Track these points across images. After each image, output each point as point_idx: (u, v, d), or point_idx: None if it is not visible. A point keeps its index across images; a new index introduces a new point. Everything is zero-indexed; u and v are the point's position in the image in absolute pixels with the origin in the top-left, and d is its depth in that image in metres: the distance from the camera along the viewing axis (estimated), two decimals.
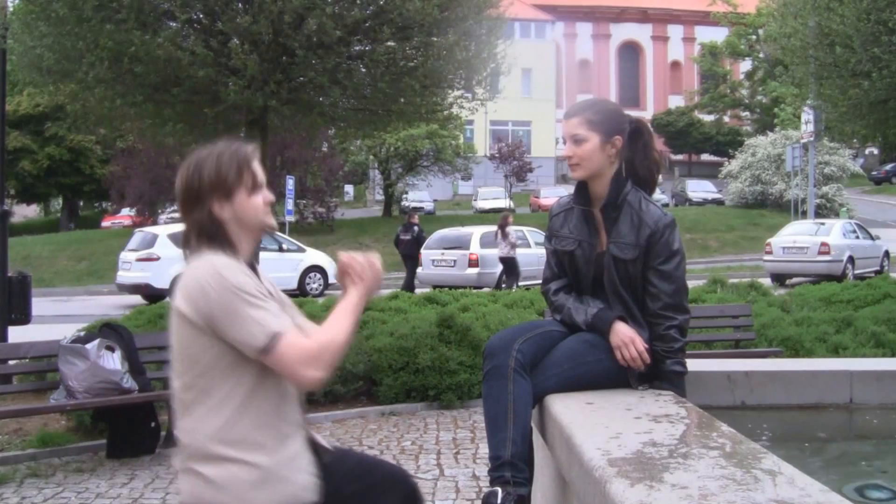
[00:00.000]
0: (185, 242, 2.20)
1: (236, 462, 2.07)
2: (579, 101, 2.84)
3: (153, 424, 6.38)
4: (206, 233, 2.16)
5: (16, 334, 7.85)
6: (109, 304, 18.26)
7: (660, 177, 3.24)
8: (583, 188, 2.79)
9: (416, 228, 19.18)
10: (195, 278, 2.09)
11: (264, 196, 2.23)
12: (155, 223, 27.76)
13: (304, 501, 2.13)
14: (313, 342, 2.08)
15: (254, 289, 2.08)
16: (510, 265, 17.28)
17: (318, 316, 2.33)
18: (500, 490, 2.37)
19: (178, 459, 2.16)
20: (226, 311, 2.03)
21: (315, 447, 2.25)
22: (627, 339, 2.59)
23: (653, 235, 2.66)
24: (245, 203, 2.19)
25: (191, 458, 2.10)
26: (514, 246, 17.26)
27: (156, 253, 17.86)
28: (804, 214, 26.49)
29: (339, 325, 2.16)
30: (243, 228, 2.20)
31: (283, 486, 2.09)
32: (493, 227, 20.53)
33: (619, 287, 2.69)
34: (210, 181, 2.17)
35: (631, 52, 65.20)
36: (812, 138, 23.89)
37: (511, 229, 17.52)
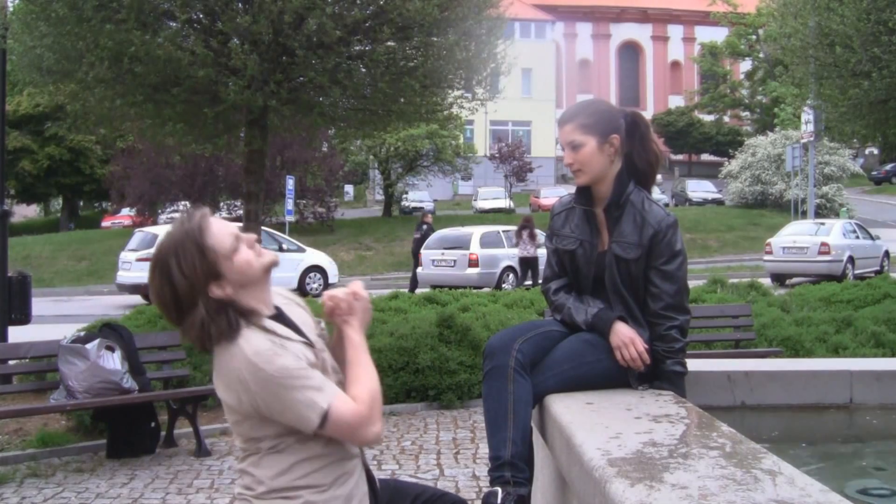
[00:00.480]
0: (202, 342, 2.00)
1: (293, 500, 2.00)
2: (571, 107, 2.81)
3: (153, 424, 6.39)
4: (219, 328, 1.97)
5: (16, 334, 7.85)
6: (109, 304, 18.26)
7: (659, 173, 3.21)
8: (585, 188, 2.79)
9: (423, 227, 19.86)
10: (231, 370, 1.95)
11: (246, 242, 2.07)
12: (155, 223, 27.75)
13: None
14: (360, 403, 2.00)
15: (293, 367, 1.94)
16: (533, 265, 17.78)
17: (317, 312, 2.27)
18: (500, 490, 2.37)
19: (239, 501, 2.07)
20: (271, 401, 1.93)
21: (371, 481, 2.19)
22: (627, 339, 2.59)
23: (656, 235, 2.65)
24: (236, 268, 2.01)
25: (247, 498, 2.04)
26: (538, 246, 17.59)
27: None
28: (804, 214, 26.48)
29: (366, 372, 2.07)
30: (249, 287, 2.04)
31: None
32: (494, 228, 20.64)
33: (620, 287, 2.69)
34: (188, 279, 1.96)
35: (631, 52, 65.19)
36: (812, 138, 23.89)
37: (539, 230, 17.87)
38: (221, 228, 2.05)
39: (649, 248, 2.66)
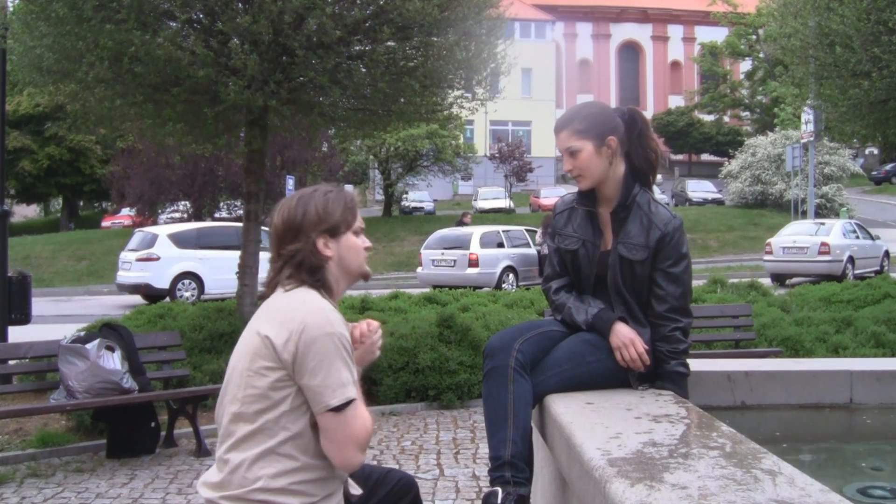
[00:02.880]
0: (275, 274, 2.14)
1: None
2: (565, 113, 2.81)
3: (153, 424, 6.39)
4: (306, 266, 2.10)
5: (16, 334, 7.85)
6: (109, 304, 18.26)
7: (660, 173, 3.21)
8: (587, 190, 2.78)
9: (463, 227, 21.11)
10: (297, 311, 2.01)
11: (365, 242, 2.22)
12: (155, 223, 27.75)
13: None
14: (365, 431, 2.03)
15: (349, 346, 2.04)
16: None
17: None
18: (500, 490, 2.37)
19: (206, 490, 2.05)
20: (319, 357, 1.96)
21: (346, 493, 2.21)
22: (628, 340, 2.59)
23: (663, 238, 2.65)
24: (351, 243, 2.17)
25: (227, 497, 2.00)
26: None
27: (156, 253, 17.87)
28: (804, 214, 26.48)
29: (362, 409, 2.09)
30: (342, 271, 2.17)
31: None
32: (494, 228, 20.66)
33: (621, 287, 2.68)
34: (317, 216, 2.13)
35: (631, 52, 65.19)
36: (812, 138, 23.89)
37: None
38: (359, 214, 2.26)
39: (656, 250, 2.65)
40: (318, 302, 2.05)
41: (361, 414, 2.01)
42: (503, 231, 20.35)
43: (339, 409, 1.96)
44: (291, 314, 2.01)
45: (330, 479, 2.08)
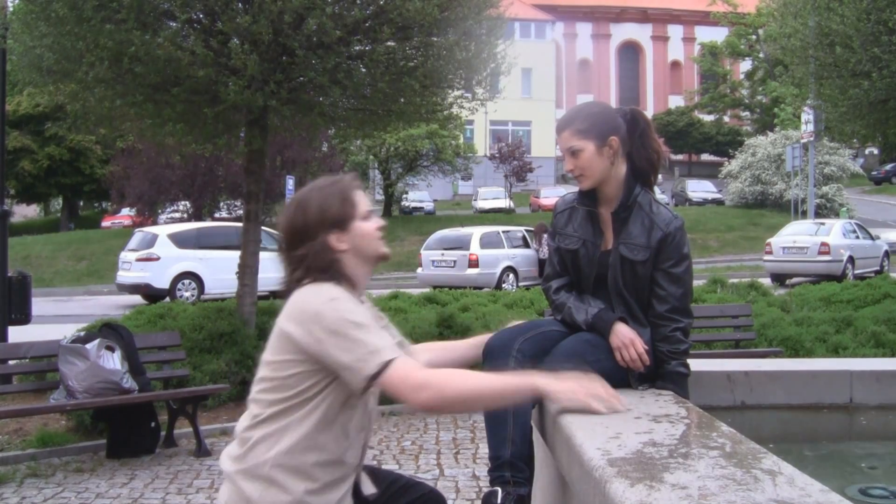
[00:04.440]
0: (288, 277, 2.19)
1: (282, 488, 2.06)
2: (566, 113, 2.80)
3: (153, 424, 6.39)
4: (318, 265, 2.15)
5: (16, 334, 7.85)
6: (109, 304, 18.26)
7: (660, 172, 3.20)
8: (588, 190, 2.78)
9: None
10: (309, 303, 2.09)
11: (376, 223, 2.25)
12: (155, 223, 27.75)
13: None
14: (426, 373, 2.07)
15: (368, 318, 2.09)
16: None
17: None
18: (500, 490, 2.37)
19: (227, 461, 2.15)
20: (339, 338, 2.03)
21: (357, 491, 2.24)
22: (628, 340, 2.58)
23: (665, 238, 2.64)
24: (362, 230, 2.20)
25: (243, 472, 2.10)
26: None
27: (156, 253, 17.87)
28: (804, 214, 26.49)
29: (475, 377, 2.10)
30: (360, 259, 2.21)
31: None
32: (494, 228, 20.70)
33: (622, 287, 2.68)
34: (320, 215, 2.17)
35: (631, 52, 65.19)
36: (812, 138, 23.90)
37: None
38: (364, 197, 2.27)
39: (657, 250, 2.65)
40: (330, 291, 2.09)
41: (405, 370, 2.03)
42: (503, 231, 20.35)
43: (378, 374, 2.02)
44: (306, 307, 2.08)
45: (340, 469, 2.13)
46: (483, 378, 2.12)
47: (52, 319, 13.87)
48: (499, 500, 2.34)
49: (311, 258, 2.15)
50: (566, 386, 2.16)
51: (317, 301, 2.08)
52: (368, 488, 2.28)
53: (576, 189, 2.84)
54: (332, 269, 2.16)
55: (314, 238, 2.16)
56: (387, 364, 2.02)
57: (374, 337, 2.05)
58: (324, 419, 2.09)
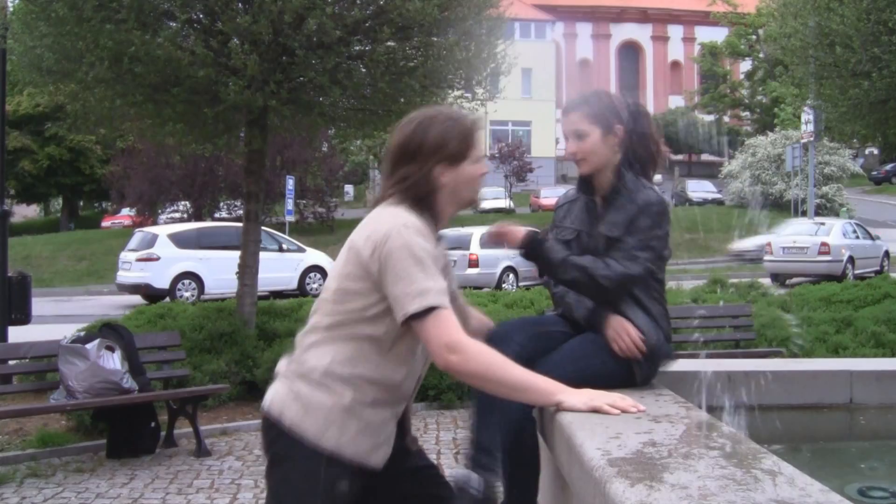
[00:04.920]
0: (383, 193, 2.18)
1: (333, 392, 2.07)
2: (576, 97, 2.80)
3: (153, 424, 6.39)
4: (414, 191, 2.13)
5: (16, 334, 7.85)
6: (109, 304, 18.25)
7: (660, 172, 3.18)
8: (587, 179, 2.78)
9: None
10: (383, 222, 2.08)
11: (482, 169, 2.23)
12: (155, 223, 27.74)
13: (367, 462, 2.12)
14: (463, 338, 2.03)
15: (431, 258, 2.06)
16: None
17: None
18: (475, 474, 2.38)
19: (283, 363, 2.17)
20: (396, 266, 2.02)
21: (403, 428, 2.25)
22: (620, 328, 2.58)
23: (637, 214, 2.61)
24: (468, 172, 2.18)
25: (296, 372, 2.12)
26: None
27: (156, 253, 17.86)
28: (804, 214, 26.48)
29: (504, 362, 2.07)
30: (453, 199, 2.20)
31: (358, 437, 2.09)
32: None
33: None
34: (436, 144, 2.14)
35: (631, 52, 65.18)
36: (812, 138, 23.90)
37: None
38: (481, 141, 2.26)
39: (630, 223, 2.62)
40: (406, 219, 2.08)
41: (446, 324, 2.01)
42: None
43: (417, 315, 2.00)
44: (378, 227, 2.08)
45: (392, 393, 2.14)
46: (512, 368, 2.09)
47: (52, 319, 13.86)
48: (474, 484, 2.35)
49: (411, 182, 2.13)
50: (589, 404, 2.15)
51: (391, 223, 2.06)
52: (413, 442, 2.30)
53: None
54: (426, 199, 2.14)
55: (422, 164, 2.14)
56: (429, 310, 1.99)
57: (427, 277, 2.02)
58: (382, 340, 2.09)
